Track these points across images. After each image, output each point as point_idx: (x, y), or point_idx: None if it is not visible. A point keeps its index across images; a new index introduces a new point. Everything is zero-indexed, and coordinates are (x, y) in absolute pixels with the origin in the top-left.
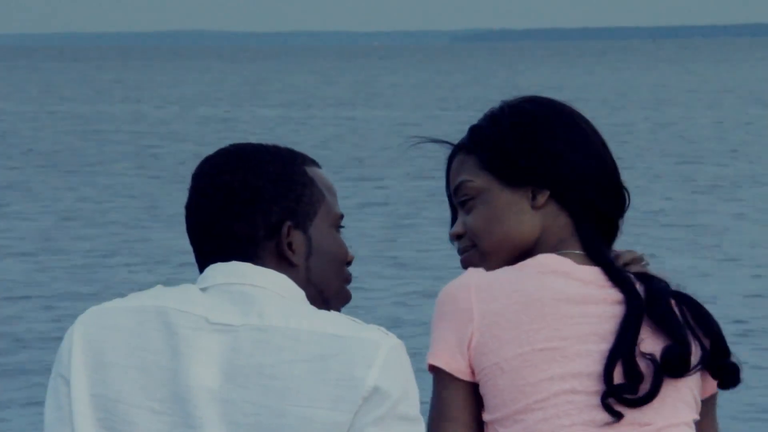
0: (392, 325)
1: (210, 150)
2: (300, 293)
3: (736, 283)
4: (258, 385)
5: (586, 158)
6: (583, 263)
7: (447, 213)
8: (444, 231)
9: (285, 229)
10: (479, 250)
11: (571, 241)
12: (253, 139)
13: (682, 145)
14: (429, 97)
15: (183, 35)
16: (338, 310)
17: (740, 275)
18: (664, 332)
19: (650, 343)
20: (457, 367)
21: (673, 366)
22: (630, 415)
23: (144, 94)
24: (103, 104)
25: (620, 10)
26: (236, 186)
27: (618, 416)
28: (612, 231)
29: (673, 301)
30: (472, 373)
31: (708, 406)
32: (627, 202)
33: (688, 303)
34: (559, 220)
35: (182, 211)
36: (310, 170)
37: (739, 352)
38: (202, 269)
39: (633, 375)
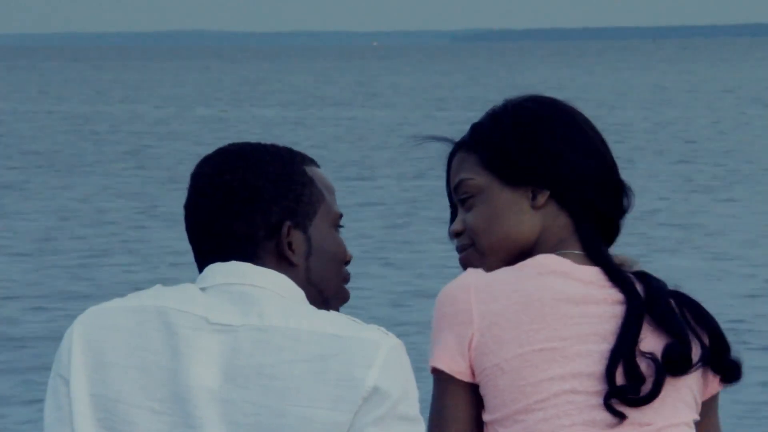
0: (385, 324)
1: (208, 150)
2: (300, 293)
3: (731, 283)
4: (258, 385)
5: (586, 158)
6: (583, 263)
7: (442, 213)
8: (439, 231)
9: (285, 229)
10: (478, 249)
11: (571, 241)
12: (252, 139)
13: (680, 145)
14: (428, 97)
15: (183, 35)
16: (337, 309)
17: (736, 275)
18: (665, 331)
19: (650, 342)
20: (458, 369)
21: (674, 364)
22: (630, 415)
23: (143, 94)
24: (101, 104)
25: (620, 10)
26: (236, 185)
27: (620, 417)
28: (612, 231)
29: (671, 300)
30: (473, 374)
31: (710, 407)
32: (629, 202)
33: (686, 301)
34: (558, 220)
35: (180, 211)
36: (310, 170)
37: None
38: (201, 269)
39: (634, 375)
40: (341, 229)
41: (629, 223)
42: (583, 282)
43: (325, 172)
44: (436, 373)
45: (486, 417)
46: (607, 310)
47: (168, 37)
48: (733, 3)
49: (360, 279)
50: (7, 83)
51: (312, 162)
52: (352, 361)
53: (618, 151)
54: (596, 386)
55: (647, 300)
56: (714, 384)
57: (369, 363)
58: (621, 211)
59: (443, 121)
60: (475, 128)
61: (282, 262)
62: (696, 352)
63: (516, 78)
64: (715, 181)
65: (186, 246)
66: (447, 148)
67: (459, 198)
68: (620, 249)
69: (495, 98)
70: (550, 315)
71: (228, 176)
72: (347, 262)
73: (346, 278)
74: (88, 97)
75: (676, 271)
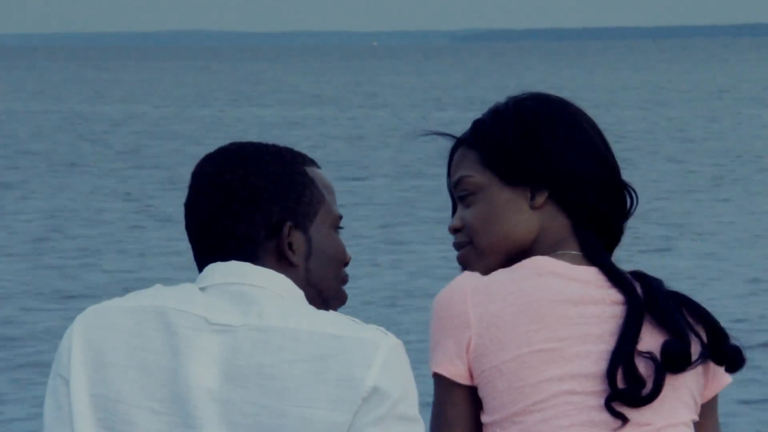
0: (380, 324)
1: (207, 150)
2: (299, 293)
3: (727, 284)
4: (257, 385)
5: (586, 159)
6: (581, 263)
7: (437, 213)
8: (435, 230)
9: (286, 230)
10: (476, 248)
11: (569, 241)
12: (251, 139)
13: (678, 145)
14: (426, 97)
15: (183, 35)
16: (336, 310)
17: (731, 276)
18: (664, 329)
19: (649, 341)
20: (457, 372)
21: (673, 361)
22: (630, 415)
23: (142, 94)
24: (100, 104)
25: (620, 10)
26: (236, 185)
27: (621, 418)
28: (614, 234)
29: (670, 299)
30: (472, 376)
31: (709, 408)
32: (631, 204)
33: (684, 300)
34: (557, 221)
35: (177, 211)
36: (311, 170)
37: None
38: (201, 268)
39: (634, 376)
40: (340, 231)
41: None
42: (581, 282)
43: (325, 172)
44: (436, 377)
45: (485, 419)
46: (605, 310)
47: (168, 37)
48: (733, 3)
49: (359, 278)
50: (7, 83)
51: (313, 163)
52: (351, 362)
53: (616, 150)
54: (595, 387)
55: (646, 299)
56: (712, 388)
57: (369, 363)
58: (622, 213)
59: (441, 121)
60: (477, 125)
61: (282, 263)
62: (695, 350)
63: (515, 78)
64: (710, 181)
65: (183, 246)
66: (445, 147)
67: (458, 195)
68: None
69: (493, 98)
70: (549, 316)
71: (228, 176)
72: (346, 264)
73: (345, 280)
74: (87, 97)
75: (669, 271)
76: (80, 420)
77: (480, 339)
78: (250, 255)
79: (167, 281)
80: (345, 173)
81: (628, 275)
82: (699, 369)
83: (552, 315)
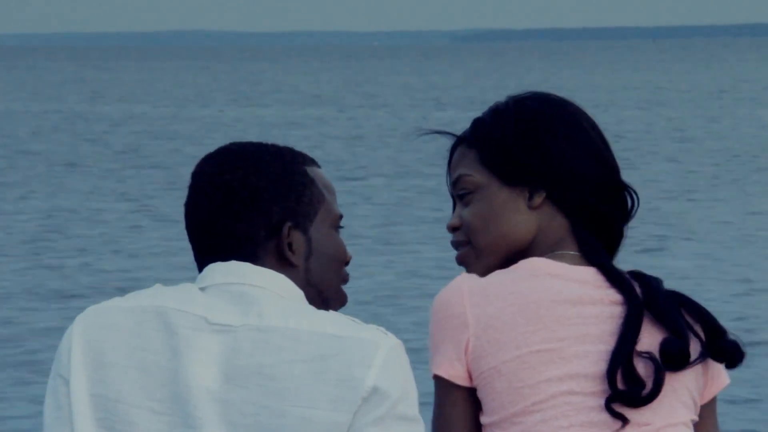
0: (376, 323)
1: (207, 149)
2: (299, 293)
3: (721, 284)
4: (257, 385)
5: (586, 159)
6: (579, 264)
7: (436, 213)
8: (434, 230)
9: (285, 230)
10: (474, 248)
11: (568, 241)
12: (251, 139)
13: (676, 144)
14: (425, 96)
15: (183, 35)
16: (336, 310)
17: (726, 276)
18: (663, 328)
19: (648, 341)
20: (456, 374)
21: (673, 359)
22: (629, 416)
23: (142, 94)
24: (99, 104)
25: (620, 10)
26: (236, 186)
27: (621, 419)
28: (614, 236)
29: (669, 299)
30: (471, 378)
31: (709, 409)
32: (632, 206)
33: (680, 299)
34: (555, 221)
35: (175, 211)
36: (311, 170)
37: None
38: (201, 268)
39: (633, 376)
40: (341, 230)
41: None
42: (579, 282)
43: (325, 172)
44: (436, 379)
45: (484, 420)
46: (604, 310)
47: (168, 37)
48: (733, 3)
49: (356, 279)
50: (6, 83)
51: (313, 162)
52: (351, 362)
53: (614, 150)
54: (594, 387)
55: (645, 298)
56: (711, 389)
57: (368, 363)
58: (622, 214)
59: (441, 121)
60: (477, 124)
61: (282, 263)
62: (694, 349)
63: (515, 78)
64: (709, 181)
65: (182, 246)
66: (445, 146)
67: (457, 193)
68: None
69: (493, 98)
70: (547, 316)
71: (228, 176)
72: (347, 263)
73: (345, 279)
74: (87, 97)
75: (666, 271)
76: (80, 420)
77: (478, 340)
78: (250, 255)
79: (166, 281)
80: (344, 173)
81: (627, 276)
82: (699, 369)
83: (550, 315)
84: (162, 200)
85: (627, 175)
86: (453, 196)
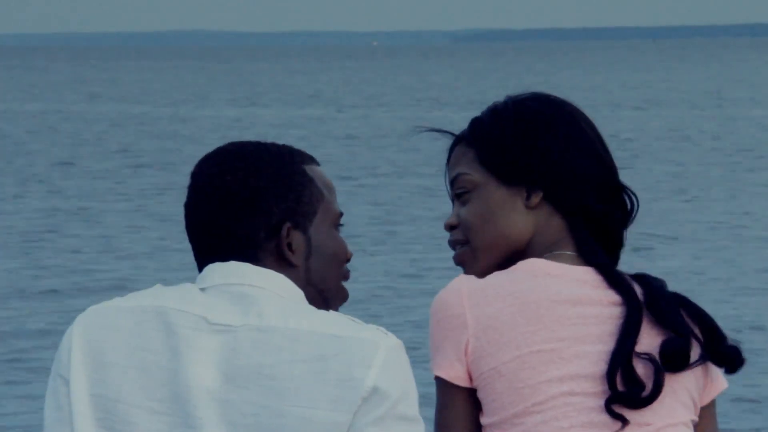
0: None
1: (206, 150)
2: (299, 293)
3: (716, 284)
4: (257, 385)
5: (584, 160)
6: (577, 264)
7: (434, 213)
8: (432, 230)
9: (285, 230)
10: (471, 247)
11: (565, 241)
12: (250, 139)
13: (674, 144)
14: (425, 97)
15: (183, 35)
16: (337, 309)
17: (719, 276)
18: (665, 329)
19: (648, 342)
20: (456, 375)
21: (673, 360)
22: (629, 416)
23: (142, 94)
24: (99, 104)
25: (620, 10)
26: (236, 187)
27: (621, 420)
28: (614, 238)
29: (672, 301)
30: (471, 379)
31: (709, 411)
32: (631, 208)
33: (681, 301)
34: (552, 221)
35: (175, 211)
36: (310, 169)
37: None
38: (201, 268)
39: (633, 378)
40: (341, 228)
41: None
42: (578, 283)
43: (325, 170)
44: (437, 380)
45: (484, 420)
46: (603, 311)
47: (168, 37)
48: (733, 3)
49: (354, 279)
50: (5, 83)
51: (312, 160)
52: (351, 362)
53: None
54: (594, 388)
55: (648, 300)
56: (710, 392)
57: (368, 363)
58: (622, 216)
59: (441, 121)
60: (475, 123)
61: (282, 263)
62: (695, 351)
63: (515, 78)
64: (708, 181)
65: (182, 246)
66: (442, 146)
67: (455, 192)
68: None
69: (493, 98)
70: (547, 316)
71: (228, 177)
72: (347, 261)
73: (346, 276)
74: (86, 97)
75: (663, 272)
76: (80, 420)
77: (478, 341)
78: (250, 256)
79: (166, 281)
80: (343, 173)
81: (626, 276)
82: (698, 371)
83: (550, 315)
84: (162, 200)
85: (624, 176)
86: (451, 196)
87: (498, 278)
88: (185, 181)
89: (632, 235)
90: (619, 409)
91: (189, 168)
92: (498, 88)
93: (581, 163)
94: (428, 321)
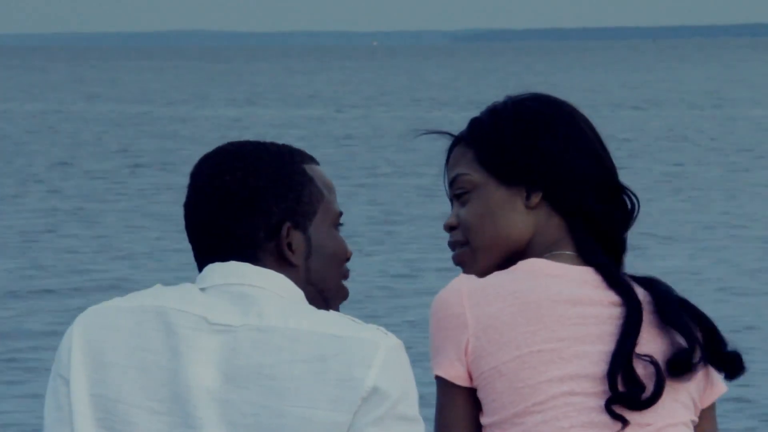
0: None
1: (206, 149)
2: (299, 293)
3: (713, 284)
4: (257, 385)
5: (583, 160)
6: (577, 264)
7: (430, 211)
8: (428, 229)
9: (285, 230)
10: (471, 247)
11: (565, 241)
12: (249, 138)
13: (672, 144)
14: (425, 96)
15: (183, 35)
16: (337, 308)
17: (717, 276)
18: (671, 334)
19: (649, 344)
20: (456, 374)
21: (679, 369)
22: (630, 416)
23: (141, 94)
24: (98, 104)
25: (620, 10)
26: (235, 187)
27: (622, 421)
28: (614, 239)
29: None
30: (471, 378)
31: (708, 414)
32: (631, 209)
33: (684, 304)
34: (552, 221)
35: (174, 211)
36: (309, 168)
37: None
38: (200, 268)
39: (633, 378)
40: (341, 227)
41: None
42: (578, 283)
43: (324, 169)
44: (437, 379)
45: (485, 420)
46: (603, 311)
47: (168, 37)
48: (733, 3)
49: (353, 276)
50: (5, 83)
51: (312, 160)
52: (351, 362)
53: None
54: (594, 388)
55: (656, 304)
56: (711, 391)
57: (368, 363)
58: (622, 217)
59: (441, 121)
60: (474, 123)
61: (282, 263)
62: (697, 355)
63: (515, 78)
64: (707, 182)
65: (177, 246)
66: (440, 146)
67: (454, 192)
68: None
69: (492, 98)
70: (547, 316)
71: (228, 177)
72: (347, 260)
73: (346, 275)
74: (85, 97)
75: (660, 272)
76: (80, 420)
77: (478, 341)
78: (250, 256)
79: (164, 281)
80: (342, 172)
81: (627, 277)
82: (699, 373)
83: (551, 315)
84: (161, 200)
85: (620, 175)
86: (450, 196)
87: (498, 278)
88: (184, 181)
89: (630, 234)
90: (619, 410)
91: (188, 168)
92: (498, 88)
93: (580, 163)
94: (424, 321)
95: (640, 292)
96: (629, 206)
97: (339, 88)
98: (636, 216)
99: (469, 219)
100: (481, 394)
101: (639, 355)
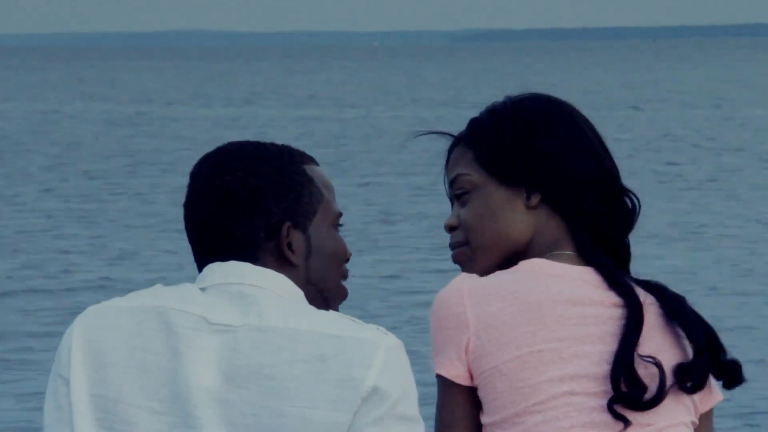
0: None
1: (206, 149)
2: (299, 293)
3: (710, 284)
4: (257, 385)
5: (583, 161)
6: (577, 264)
7: (432, 212)
8: (427, 229)
9: (285, 230)
10: (471, 248)
11: (565, 241)
12: (249, 139)
13: (670, 144)
14: (425, 96)
15: (183, 35)
16: (337, 308)
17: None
18: (679, 337)
19: (651, 345)
20: (456, 373)
21: (689, 379)
22: (631, 416)
23: (141, 94)
24: (98, 104)
25: (620, 10)
26: (235, 187)
27: (624, 421)
28: (617, 246)
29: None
30: (472, 377)
31: (707, 419)
32: (632, 210)
33: (684, 306)
34: (552, 221)
35: (174, 211)
36: (309, 169)
37: None
38: (200, 268)
39: (635, 379)
40: (341, 228)
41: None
42: (579, 283)
43: (324, 170)
44: (438, 378)
45: (485, 420)
46: (604, 311)
47: (168, 37)
48: (733, 3)
49: (354, 276)
50: (4, 83)
51: (311, 160)
52: (351, 362)
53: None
54: (596, 388)
55: (660, 306)
56: (711, 396)
57: (368, 363)
58: (623, 218)
59: (440, 121)
60: (474, 123)
61: (282, 263)
62: (706, 366)
63: (515, 78)
64: (707, 182)
65: (176, 247)
66: (440, 146)
67: (454, 193)
68: None
69: (492, 98)
70: (548, 316)
71: (227, 177)
72: (347, 260)
73: (345, 275)
74: (85, 97)
75: (659, 271)
76: (80, 420)
77: (479, 340)
78: (250, 255)
79: (163, 281)
80: (341, 172)
81: (626, 277)
82: None
83: (551, 315)
84: (161, 200)
85: (623, 176)
86: (450, 197)
87: (499, 278)
88: (184, 181)
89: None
90: (621, 410)
91: (187, 168)
92: (497, 88)
93: (580, 163)
94: (420, 321)
95: (641, 294)
96: (630, 207)
97: (339, 88)
98: (637, 217)
99: (470, 219)
100: (481, 394)
101: (641, 356)
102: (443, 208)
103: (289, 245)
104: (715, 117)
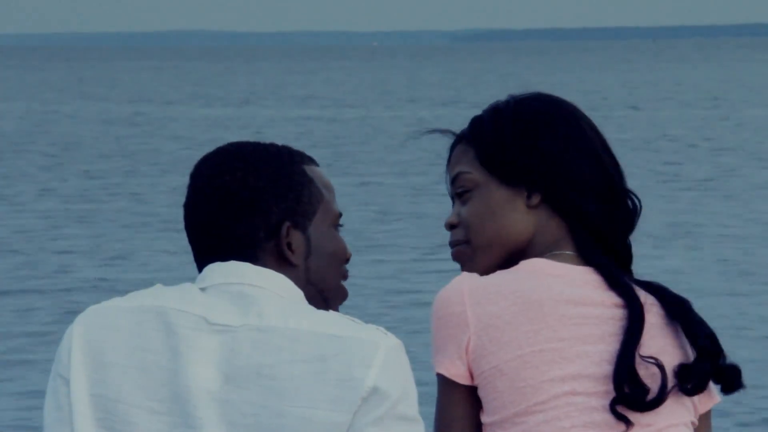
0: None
1: (206, 149)
2: (299, 293)
3: (708, 284)
4: (257, 385)
5: (583, 161)
6: (577, 264)
7: (431, 212)
8: (426, 229)
9: (284, 230)
10: (471, 246)
11: (565, 241)
12: (249, 139)
13: (668, 144)
14: (425, 96)
15: (183, 35)
16: (337, 308)
17: (713, 276)
18: (680, 339)
19: (653, 346)
20: (457, 372)
21: (690, 382)
22: (632, 416)
23: (141, 94)
24: (98, 103)
25: (620, 10)
26: (235, 187)
27: (625, 421)
28: (617, 247)
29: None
30: (472, 377)
31: (705, 419)
32: (633, 211)
33: (686, 308)
34: (553, 221)
35: (173, 211)
36: (309, 169)
37: None
38: (200, 268)
39: (636, 380)
40: (340, 228)
41: None
42: (579, 283)
43: (323, 169)
44: (438, 377)
45: (485, 419)
46: (605, 312)
47: (168, 37)
48: (733, 3)
49: (352, 276)
50: (4, 83)
51: (311, 161)
52: (351, 362)
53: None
54: (597, 388)
55: (661, 307)
56: (709, 398)
57: (368, 363)
58: (624, 218)
59: (440, 120)
60: (475, 122)
61: (282, 263)
62: (708, 369)
63: (515, 78)
64: (706, 182)
65: (175, 247)
66: (441, 146)
67: (455, 191)
68: None
69: (492, 98)
70: (549, 316)
71: (227, 177)
72: (347, 261)
73: (345, 276)
74: (85, 97)
75: (659, 271)
76: (80, 420)
77: (479, 339)
78: (250, 256)
79: (162, 281)
80: (341, 172)
81: (627, 278)
82: None
83: (553, 315)
84: (161, 200)
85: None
86: (451, 195)
87: (500, 277)
88: (183, 181)
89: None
90: (622, 410)
91: (186, 168)
92: (497, 88)
93: (580, 163)
94: (418, 321)
95: (642, 294)
96: (631, 208)
97: (338, 88)
98: (638, 218)
99: (470, 218)
100: (481, 393)
101: (643, 357)
102: (442, 209)
103: (289, 245)
104: (714, 117)
